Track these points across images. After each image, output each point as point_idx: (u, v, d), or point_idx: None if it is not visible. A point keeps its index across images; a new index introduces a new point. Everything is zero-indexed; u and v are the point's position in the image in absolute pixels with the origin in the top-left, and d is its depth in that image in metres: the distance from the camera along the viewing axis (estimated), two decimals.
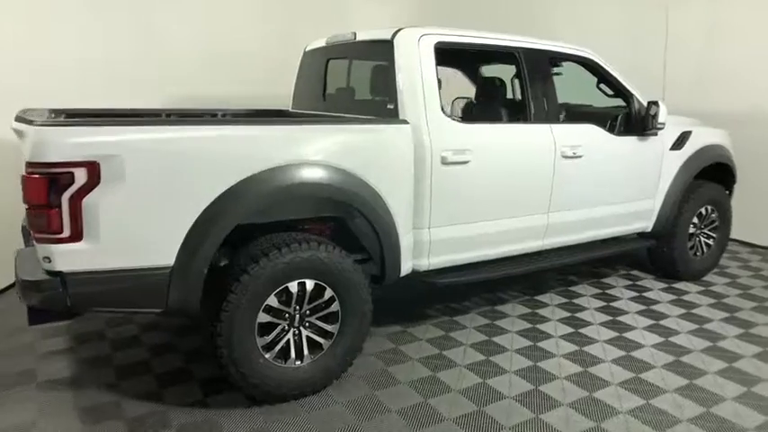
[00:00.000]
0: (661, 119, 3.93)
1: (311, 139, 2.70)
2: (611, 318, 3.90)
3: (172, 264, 2.42)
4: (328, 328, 2.86)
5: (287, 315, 2.75)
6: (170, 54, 4.69)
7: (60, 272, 2.27)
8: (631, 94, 4.08)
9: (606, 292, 4.42)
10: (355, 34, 3.53)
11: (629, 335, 3.63)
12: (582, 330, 3.69)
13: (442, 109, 3.17)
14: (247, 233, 2.71)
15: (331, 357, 2.88)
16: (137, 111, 3.66)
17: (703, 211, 4.60)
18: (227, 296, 2.54)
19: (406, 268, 3.16)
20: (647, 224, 4.36)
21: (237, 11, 5.06)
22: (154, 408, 2.72)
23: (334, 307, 2.85)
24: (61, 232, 2.23)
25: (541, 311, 3.99)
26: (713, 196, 4.61)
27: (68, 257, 2.27)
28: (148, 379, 3.00)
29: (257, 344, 2.66)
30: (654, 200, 4.31)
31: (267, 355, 2.70)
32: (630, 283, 4.64)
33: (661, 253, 4.60)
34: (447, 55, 3.38)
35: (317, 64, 3.97)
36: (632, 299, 4.29)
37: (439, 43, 3.23)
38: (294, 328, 2.79)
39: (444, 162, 3.11)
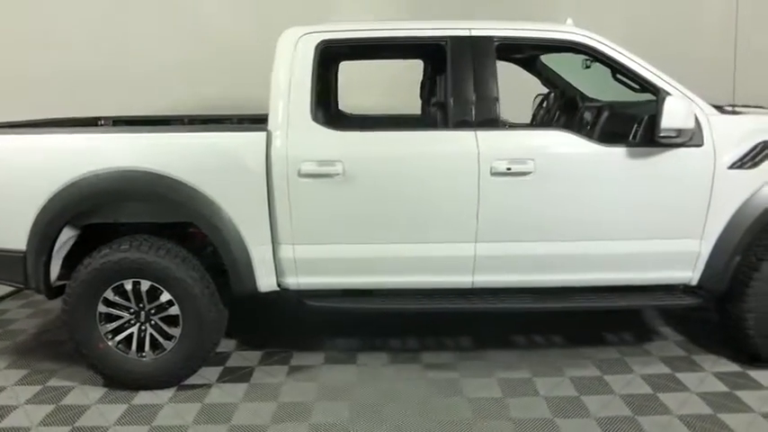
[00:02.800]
0: (669, 123, 2.67)
1: (135, 146, 2.82)
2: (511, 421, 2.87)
3: (24, 249, 2.90)
4: (169, 330, 2.96)
5: (132, 310, 2.97)
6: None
7: None
8: (657, 88, 2.88)
9: (606, 373, 3.23)
10: None
11: None
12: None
13: (314, 115, 2.87)
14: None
15: (173, 359, 2.97)
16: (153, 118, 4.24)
17: None
18: (69, 284, 2.91)
19: (267, 284, 2.98)
20: (688, 274, 3.00)
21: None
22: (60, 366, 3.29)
23: (174, 311, 2.93)
24: None
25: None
26: None
27: None
28: None
29: (99, 330, 2.94)
30: (700, 240, 2.94)
31: (110, 343, 2.97)
32: (684, 355, 3.28)
33: (727, 321, 3.11)
34: (347, 54, 3.02)
35: None
36: (656, 378, 3.04)
37: (324, 42, 2.92)
38: (140, 323, 2.98)
39: (302, 174, 2.81)
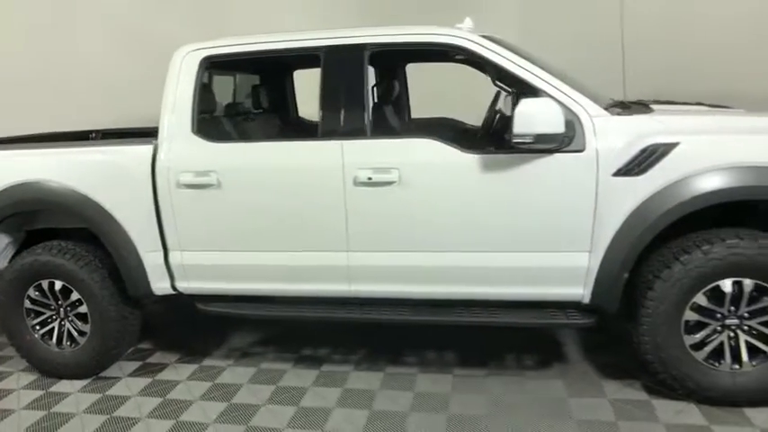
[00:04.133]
0: (523, 128, 2.46)
1: (45, 161, 3.15)
2: None
3: None
4: (80, 326, 3.26)
5: (53, 306, 3.31)
6: None
7: None
8: (537, 90, 2.67)
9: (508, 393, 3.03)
10: None
11: None
12: None
13: (194, 128, 3.01)
14: None
15: (85, 353, 3.27)
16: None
17: (726, 285, 2.54)
18: None
19: (161, 288, 3.17)
20: (578, 291, 2.74)
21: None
22: None
23: (84, 309, 3.22)
24: None
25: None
26: (744, 259, 2.48)
27: None
28: None
29: (27, 323, 3.32)
30: (588, 254, 2.69)
31: (36, 335, 3.33)
32: (595, 378, 3.00)
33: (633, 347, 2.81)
34: (235, 66, 3.13)
35: None
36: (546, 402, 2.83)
37: (208, 57, 3.05)
38: (60, 319, 3.32)
39: (181, 185, 2.97)
